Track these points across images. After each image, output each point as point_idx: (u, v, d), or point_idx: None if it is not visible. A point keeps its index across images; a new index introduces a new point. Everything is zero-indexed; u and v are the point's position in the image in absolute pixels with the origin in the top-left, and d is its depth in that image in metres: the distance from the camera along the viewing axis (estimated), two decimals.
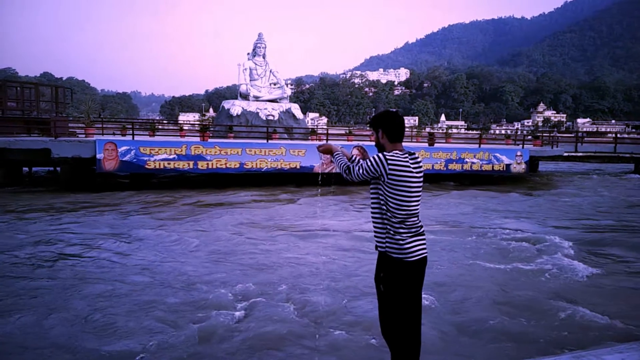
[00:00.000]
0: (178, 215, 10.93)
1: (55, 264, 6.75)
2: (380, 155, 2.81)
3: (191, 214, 11.10)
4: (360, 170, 2.87)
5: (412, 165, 2.83)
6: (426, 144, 19.57)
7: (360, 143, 17.81)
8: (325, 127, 79.10)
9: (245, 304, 5.21)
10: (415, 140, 23.20)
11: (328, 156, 3.28)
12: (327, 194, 14.92)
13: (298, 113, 22.94)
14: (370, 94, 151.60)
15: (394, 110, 3.09)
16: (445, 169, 18.17)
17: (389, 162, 2.77)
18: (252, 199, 13.61)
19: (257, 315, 4.90)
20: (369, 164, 2.81)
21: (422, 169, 2.92)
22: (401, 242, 2.80)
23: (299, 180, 16.47)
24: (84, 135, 16.21)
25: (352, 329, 4.62)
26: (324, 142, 19.80)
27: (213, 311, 4.98)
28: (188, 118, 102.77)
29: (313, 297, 5.42)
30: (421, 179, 2.88)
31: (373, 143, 3.05)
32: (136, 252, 7.48)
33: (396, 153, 2.82)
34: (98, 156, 14.14)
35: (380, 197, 2.86)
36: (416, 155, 2.92)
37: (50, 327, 4.62)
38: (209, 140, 16.41)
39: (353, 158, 3.10)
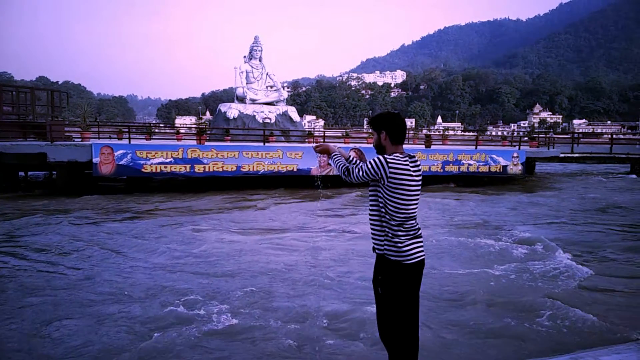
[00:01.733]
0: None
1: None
2: (381, 157, 2.80)
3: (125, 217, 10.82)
4: (360, 173, 2.85)
5: (412, 169, 2.82)
6: (423, 146, 19.62)
7: (357, 145, 17.81)
8: (322, 129, 79.17)
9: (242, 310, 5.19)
10: (412, 142, 23.23)
11: (325, 157, 3.27)
12: (304, 199, 14.88)
13: (295, 116, 22.95)
14: (367, 96, 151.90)
15: (396, 111, 3.08)
16: (442, 170, 18.19)
17: (389, 165, 2.76)
18: (219, 205, 13.11)
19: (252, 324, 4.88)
20: (369, 166, 2.80)
21: (421, 172, 2.91)
22: (399, 244, 2.79)
23: (296, 182, 16.44)
24: (80, 139, 16.15)
25: (350, 331, 4.60)
26: (321, 142, 19.82)
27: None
28: (185, 121, 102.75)
29: (307, 301, 5.40)
30: (420, 182, 2.88)
31: (370, 145, 3.04)
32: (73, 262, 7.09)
33: (397, 156, 2.81)
34: (94, 160, 14.10)
35: (379, 199, 2.85)
36: (415, 158, 2.91)
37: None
38: (206, 143, 16.39)
39: (351, 159, 3.08)
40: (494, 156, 18.97)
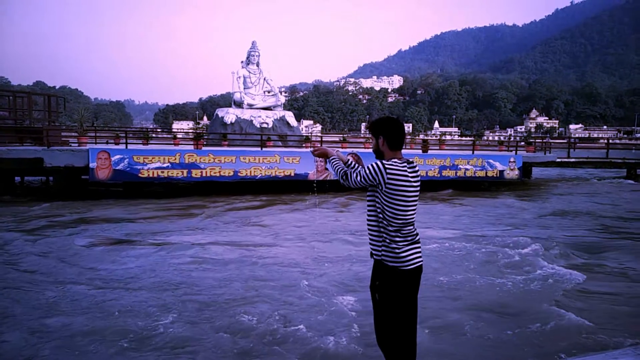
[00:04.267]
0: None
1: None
2: (379, 163, 2.79)
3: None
4: (358, 178, 2.85)
5: (410, 174, 2.81)
6: (420, 151, 19.66)
7: (355, 150, 17.83)
8: (319, 134, 79.25)
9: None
10: (409, 147, 23.27)
11: (323, 161, 3.27)
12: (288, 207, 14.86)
13: (292, 120, 22.96)
14: (364, 101, 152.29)
15: (395, 116, 3.07)
16: (439, 175, 18.22)
17: (387, 171, 2.75)
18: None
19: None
20: (367, 172, 2.79)
21: (419, 178, 2.91)
22: (397, 250, 2.79)
23: (293, 187, 16.43)
24: (77, 144, 16.12)
25: (347, 336, 4.59)
26: (318, 144, 19.83)
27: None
28: (182, 126, 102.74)
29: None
30: (418, 188, 2.87)
31: (368, 150, 3.05)
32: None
33: (395, 162, 2.80)
34: (91, 165, 14.07)
35: (377, 205, 2.84)
36: (414, 164, 2.90)
37: None
38: (203, 148, 16.37)
39: (349, 162, 3.07)
40: (490, 161, 19.01)
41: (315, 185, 16.23)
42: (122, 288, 6.06)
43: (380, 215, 2.83)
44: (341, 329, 4.77)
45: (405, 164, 2.83)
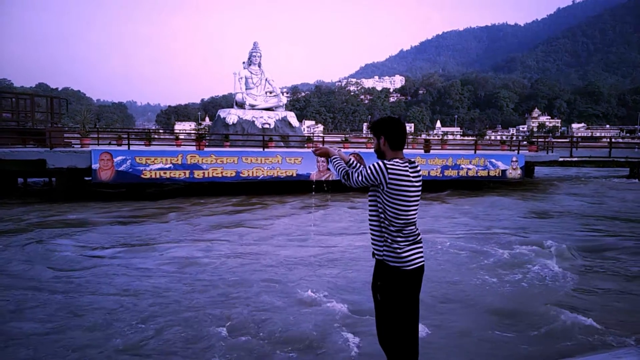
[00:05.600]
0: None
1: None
2: (380, 163, 2.78)
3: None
4: (360, 178, 2.85)
5: (411, 174, 2.81)
6: (422, 151, 19.64)
7: (357, 150, 17.83)
8: (321, 134, 79.22)
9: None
10: (411, 147, 23.26)
11: (325, 161, 3.27)
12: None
13: (294, 121, 22.97)
14: (366, 101, 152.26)
15: (397, 116, 3.06)
16: (441, 175, 18.20)
17: (389, 170, 2.75)
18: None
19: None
20: (369, 171, 2.79)
21: (421, 178, 2.90)
22: (398, 250, 2.78)
23: (295, 188, 16.43)
24: (79, 146, 16.15)
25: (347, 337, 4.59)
26: (320, 144, 19.80)
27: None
28: (184, 127, 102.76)
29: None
30: (420, 188, 2.87)
31: (370, 150, 3.05)
32: None
33: (397, 162, 2.80)
34: (94, 166, 14.10)
35: (379, 204, 2.84)
36: (416, 164, 2.90)
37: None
38: (205, 149, 16.39)
39: (351, 162, 3.06)
40: (493, 160, 18.99)
41: (314, 185, 16.21)
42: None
43: (382, 215, 2.83)
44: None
45: (407, 164, 2.83)
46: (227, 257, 7.78)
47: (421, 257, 2.87)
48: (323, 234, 9.90)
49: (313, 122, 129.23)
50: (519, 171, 19.31)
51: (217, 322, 4.90)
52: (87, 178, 15.43)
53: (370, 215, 2.92)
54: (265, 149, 17.43)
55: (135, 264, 7.33)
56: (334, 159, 3.10)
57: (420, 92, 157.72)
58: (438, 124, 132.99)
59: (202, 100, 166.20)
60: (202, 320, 4.98)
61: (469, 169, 18.58)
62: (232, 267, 7.17)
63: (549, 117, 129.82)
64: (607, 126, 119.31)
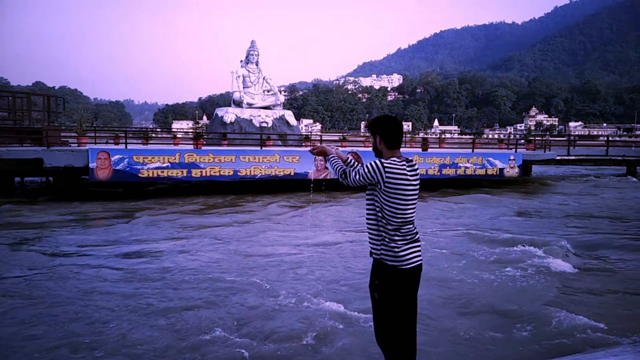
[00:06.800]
0: None
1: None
2: (377, 162, 2.77)
3: None
4: (357, 176, 2.84)
5: (409, 173, 2.80)
6: (420, 149, 19.65)
7: (355, 149, 17.83)
8: (319, 133, 79.21)
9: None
10: (409, 145, 23.28)
11: (322, 160, 3.25)
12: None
13: (292, 120, 22.96)
14: (364, 100, 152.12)
15: (393, 115, 3.04)
16: (439, 174, 18.22)
17: (386, 169, 2.73)
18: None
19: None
20: (366, 170, 2.78)
21: (418, 176, 2.90)
22: (396, 249, 2.78)
23: (293, 186, 16.42)
24: (76, 145, 16.11)
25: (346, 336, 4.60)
26: (318, 143, 19.79)
27: None
28: (181, 126, 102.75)
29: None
30: (417, 186, 2.86)
31: (367, 149, 3.04)
32: None
33: (393, 160, 2.78)
34: (91, 165, 14.06)
35: (376, 203, 2.83)
36: (413, 162, 2.89)
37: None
38: (203, 148, 16.37)
39: (349, 161, 3.05)
40: (490, 159, 19.02)
41: (312, 184, 16.21)
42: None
43: (380, 214, 2.82)
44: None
45: (404, 163, 2.82)
46: (218, 256, 7.78)
47: (419, 255, 2.86)
48: (321, 232, 9.90)
49: (311, 121, 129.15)
50: (516, 170, 19.34)
51: (207, 324, 4.91)
52: (84, 177, 15.39)
53: (367, 214, 2.91)
54: (263, 148, 17.42)
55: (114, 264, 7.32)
56: (331, 157, 3.08)
57: (418, 90, 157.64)
58: (436, 122, 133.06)
59: (200, 99, 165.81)
60: (188, 322, 4.98)
61: (466, 167, 18.60)
62: (224, 267, 7.17)
63: (546, 116, 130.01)
64: (605, 125, 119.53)
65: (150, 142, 20.31)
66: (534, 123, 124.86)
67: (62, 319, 4.98)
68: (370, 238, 2.92)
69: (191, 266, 7.08)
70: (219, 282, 6.26)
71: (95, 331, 4.67)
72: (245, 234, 9.67)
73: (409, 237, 2.82)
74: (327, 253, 8.03)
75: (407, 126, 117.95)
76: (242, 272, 6.79)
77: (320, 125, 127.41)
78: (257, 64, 23.54)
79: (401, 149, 2.96)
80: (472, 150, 19.88)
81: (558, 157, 23.70)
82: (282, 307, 5.35)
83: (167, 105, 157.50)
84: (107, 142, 19.74)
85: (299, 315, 5.08)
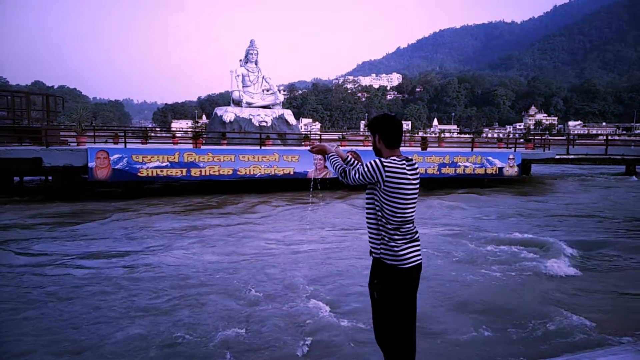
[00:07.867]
0: None
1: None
2: (377, 161, 2.76)
3: None
4: (357, 175, 2.83)
5: (409, 172, 2.79)
6: (419, 149, 19.64)
7: (354, 148, 17.83)
8: (318, 132, 79.16)
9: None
10: (408, 144, 23.28)
11: (322, 158, 3.23)
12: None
13: (291, 119, 22.94)
14: (363, 99, 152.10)
15: (393, 114, 3.03)
16: (438, 173, 18.22)
17: (386, 168, 2.73)
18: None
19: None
20: (366, 169, 2.77)
21: (418, 175, 2.89)
22: (396, 248, 2.77)
23: (292, 186, 16.40)
24: (75, 144, 16.09)
25: (345, 335, 4.59)
26: (317, 142, 19.77)
27: None
28: (181, 125, 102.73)
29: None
30: (417, 186, 2.85)
31: (367, 148, 3.03)
32: None
33: (393, 159, 2.78)
34: (90, 165, 14.04)
35: (376, 203, 2.83)
36: (413, 162, 2.88)
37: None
38: (202, 147, 16.36)
39: (348, 159, 3.04)
40: (490, 158, 19.02)
41: (312, 184, 16.20)
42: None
43: (379, 214, 2.81)
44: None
45: (404, 162, 2.81)
46: (214, 255, 7.78)
47: (419, 255, 2.86)
48: (319, 231, 9.89)
49: (310, 120, 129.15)
50: (515, 169, 19.34)
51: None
52: (84, 176, 15.36)
53: (367, 213, 2.91)
54: (263, 147, 17.41)
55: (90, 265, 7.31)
56: (331, 156, 3.07)
57: (418, 89, 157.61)
58: (435, 121, 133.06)
59: (199, 98, 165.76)
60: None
61: (466, 166, 18.60)
62: (222, 267, 7.16)
63: (545, 115, 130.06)
64: (604, 124, 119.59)
65: (150, 141, 20.31)
66: (533, 122, 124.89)
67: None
68: (370, 237, 2.91)
69: (176, 264, 7.08)
70: (200, 287, 6.20)
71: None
72: (243, 233, 9.67)
73: (408, 236, 2.81)
74: (325, 252, 8.03)
75: (406, 125, 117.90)
76: (235, 271, 6.79)
77: (319, 125, 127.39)
78: (256, 63, 23.51)
79: (400, 148, 2.95)
80: (472, 150, 19.87)
81: (557, 156, 23.70)
82: (276, 306, 5.35)
83: (166, 104, 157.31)
84: (106, 142, 19.71)
85: (292, 314, 5.08)
